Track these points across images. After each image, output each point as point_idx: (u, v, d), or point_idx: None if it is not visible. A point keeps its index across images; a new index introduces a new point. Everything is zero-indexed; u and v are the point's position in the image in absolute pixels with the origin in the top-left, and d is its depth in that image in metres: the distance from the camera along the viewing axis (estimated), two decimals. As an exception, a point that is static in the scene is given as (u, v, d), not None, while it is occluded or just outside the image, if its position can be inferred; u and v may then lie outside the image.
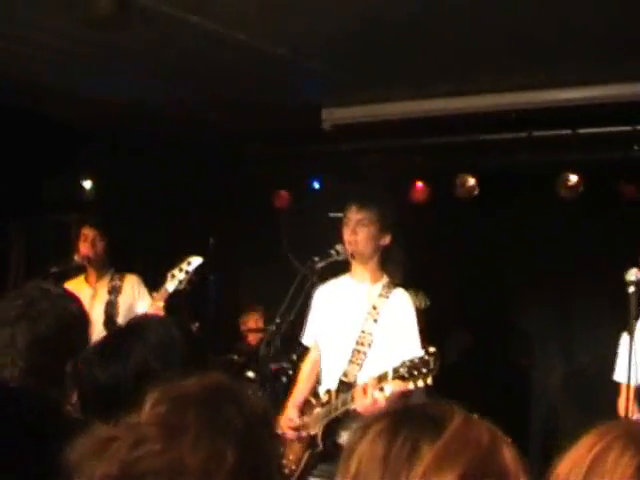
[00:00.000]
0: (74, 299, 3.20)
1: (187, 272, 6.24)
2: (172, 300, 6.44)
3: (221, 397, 1.77)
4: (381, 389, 4.76)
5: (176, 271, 6.25)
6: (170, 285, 6.25)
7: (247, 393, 1.84)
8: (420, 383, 4.68)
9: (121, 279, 6.97)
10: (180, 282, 6.24)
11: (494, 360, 8.64)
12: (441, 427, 1.56)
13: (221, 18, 5.65)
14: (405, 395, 4.89)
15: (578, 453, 1.54)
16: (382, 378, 4.79)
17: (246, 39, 5.99)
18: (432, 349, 4.76)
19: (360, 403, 4.87)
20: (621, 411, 5.30)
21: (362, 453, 1.59)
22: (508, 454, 1.57)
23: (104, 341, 2.89)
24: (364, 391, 4.83)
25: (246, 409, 1.77)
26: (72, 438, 1.68)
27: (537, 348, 8.62)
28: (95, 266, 7.00)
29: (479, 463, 1.51)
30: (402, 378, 4.70)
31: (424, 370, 4.66)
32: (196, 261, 6.28)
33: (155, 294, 6.34)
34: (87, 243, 6.91)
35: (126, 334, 2.85)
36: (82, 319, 3.13)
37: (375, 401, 4.80)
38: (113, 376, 2.69)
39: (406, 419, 1.62)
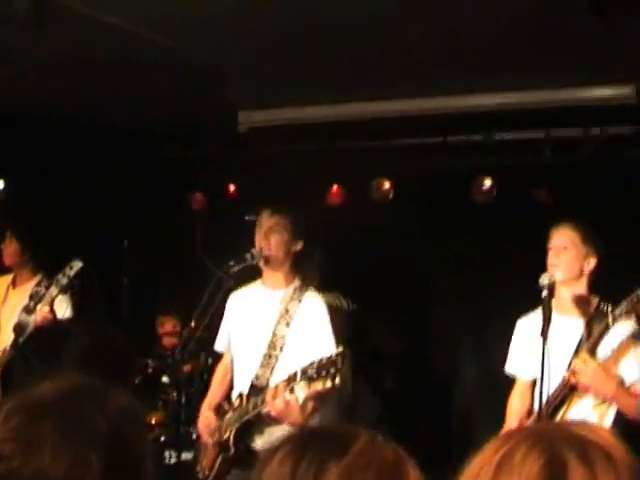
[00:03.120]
0: None
1: (69, 277, 6.20)
2: (83, 304, 6.39)
3: (79, 400, 1.71)
4: (292, 390, 4.79)
5: (60, 276, 6.22)
6: (54, 290, 6.22)
7: (109, 392, 1.78)
8: (328, 384, 4.73)
9: (47, 287, 6.88)
10: (63, 287, 6.21)
11: (413, 359, 8.72)
12: (346, 447, 1.59)
13: (140, 19, 5.60)
14: (321, 396, 4.93)
15: (486, 455, 1.55)
16: (291, 379, 4.83)
17: (164, 40, 5.94)
18: (339, 349, 4.81)
19: (272, 406, 4.90)
20: (516, 407, 5.35)
21: (270, 474, 1.60)
22: (412, 473, 1.59)
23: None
24: (275, 394, 4.86)
25: (108, 409, 1.72)
26: None
27: (455, 349, 8.69)
28: (17, 270, 6.94)
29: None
30: (311, 379, 4.73)
31: (332, 370, 4.70)
32: (77, 265, 6.23)
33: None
34: (9, 252, 6.86)
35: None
36: None
37: (287, 403, 4.83)
38: None
39: (313, 440, 1.64)
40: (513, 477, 1.47)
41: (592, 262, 5.12)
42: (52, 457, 1.58)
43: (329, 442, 1.63)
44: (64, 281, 6.20)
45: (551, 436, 1.54)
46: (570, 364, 4.98)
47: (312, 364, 4.77)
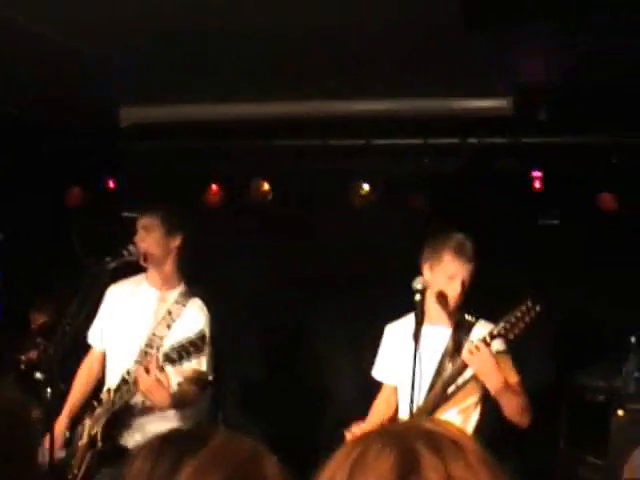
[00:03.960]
0: None
1: None
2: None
3: None
4: (161, 369, 4.81)
5: None
6: None
7: None
8: (193, 364, 4.80)
9: None
10: None
11: (290, 365, 8.75)
12: (203, 443, 1.63)
13: (18, 7, 5.52)
14: (190, 383, 4.96)
15: (339, 459, 1.59)
16: (154, 360, 4.84)
17: (45, 31, 5.87)
18: (201, 330, 4.87)
19: (142, 381, 4.89)
20: (380, 410, 5.43)
21: (133, 470, 1.64)
22: (270, 466, 1.64)
23: None
24: (146, 370, 4.85)
25: None
26: None
27: (333, 353, 8.74)
28: None
29: (239, 473, 1.58)
30: (172, 361, 4.77)
31: (192, 349, 4.75)
32: None
33: None
34: None
35: None
36: None
37: (158, 380, 4.84)
38: None
39: (173, 438, 1.69)
40: (368, 476, 1.51)
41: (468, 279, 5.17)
42: None
43: (187, 440, 1.68)
44: None
45: (402, 432, 1.60)
46: (438, 370, 5.09)
47: (173, 346, 4.84)
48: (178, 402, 5.12)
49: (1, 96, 7.47)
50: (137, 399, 5.20)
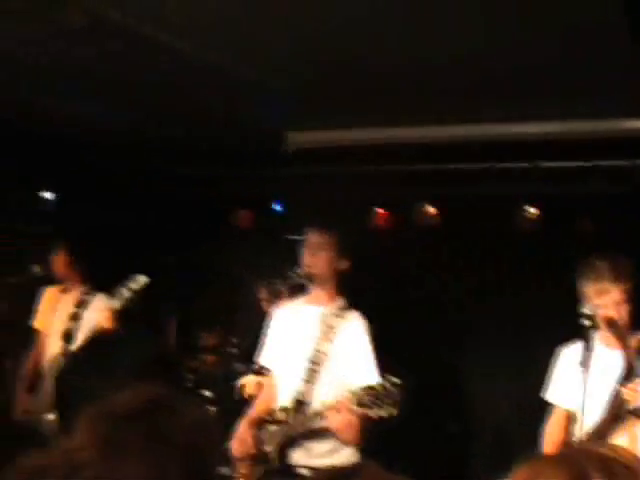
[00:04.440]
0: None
1: (133, 291, 6.36)
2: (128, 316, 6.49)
3: (158, 410, 1.73)
4: (353, 411, 4.80)
5: (122, 289, 6.38)
6: (116, 302, 6.39)
7: (186, 404, 1.81)
8: (383, 413, 4.74)
9: (92, 295, 7.00)
10: (125, 300, 6.37)
11: (446, 378, 8.70)
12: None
13: (189, 37, 5.67)
14: (370, 421, 4.94)
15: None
16: (347, 402, 4.83)
17: (214, 59, 6.01)
18: (397, 380, 4.81)
19: (334, 422, 4.91)
20: (555, 435, 5.31)
21: None
22: None
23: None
24: (338, 410, 4.86)
25: (185, 419, 1.75)
26: (17, 447, 1.65)
27: (493, 375, 8.66)
28: (64, 280, 7.08)
29: None
30: (366, 406, 4.75)
31: (388, 401, 4.71)
32: (141, 281, 6.40)
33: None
34: (59, 263, 7.01)
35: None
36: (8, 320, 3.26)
37: (349, 420, 4.85)
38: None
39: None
40: None
41: (631, 303, 5.05)
42: (132, 467, 1.60)
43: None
44: (127, 294, 6.37)
45: (574, 456, 1.58)
46: (614, 393, 4.96)
47: (368, 392, 4.79)
48: (362, 436, 5.14)
49: (175, 124, 7.69)
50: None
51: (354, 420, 4.86)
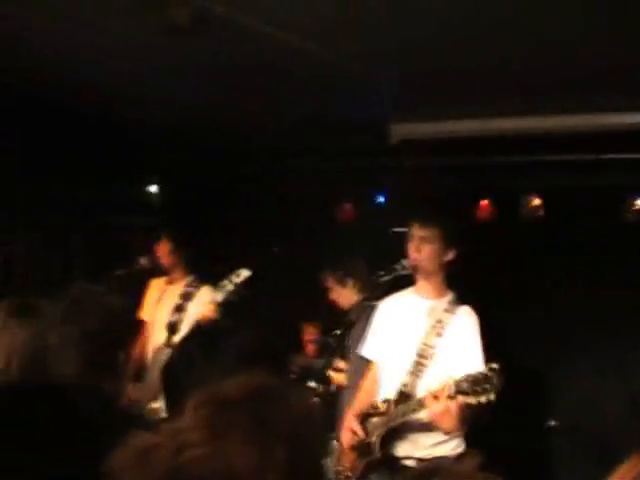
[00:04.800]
0: (118, 296, 3.41)
1: (236, 284, 6.42)
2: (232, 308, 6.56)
3: (265, 397, 1.75)
4: (451, 397, 4.75)
5: (225, 282, 6.45)
6: (219, 295, 6.45)
7: (292, 393, 1.82)
8: (482, 399, 4.68)
9: (197, 287, 7.09)
10: (229, 293, 6.43)
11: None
12: None
13: (293, 29, 5.69)
14: (471, 410, 4.90)
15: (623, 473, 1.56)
16: (445, 389, 4.79)
17: (318, 52, 6.03)
18: (495, 365, 4.77)
19: (432, 408, 4.87)
20: None
21: None
22: None
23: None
24: (436, 398, 4.83)
25: (291, 408, 1.76)
26: (125, 434, 1.68)
27: (596, 373, 8.55)
28: (169, 271, 7.18)
29: None
30: (464, 393, 4.71)
31: (486, 386, 4.66)
32: (244, 274, 6.45)
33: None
34: (162, 252, 7.10)
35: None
36: (127, 314, 3.32)
37: (447, 408, 4.81)
38: None
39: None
40: None
41: None
42: (239, 449, 1.62)
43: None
44: (230, 287, 6.44)
45: None
46: None
47: (466, 378, 4.75)
48: (463, 426, 5.11)
49: (274, 118, 7.74)
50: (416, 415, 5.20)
51: (452, 408, 4.81)
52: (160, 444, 1.64)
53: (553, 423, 7.88)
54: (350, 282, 7.08)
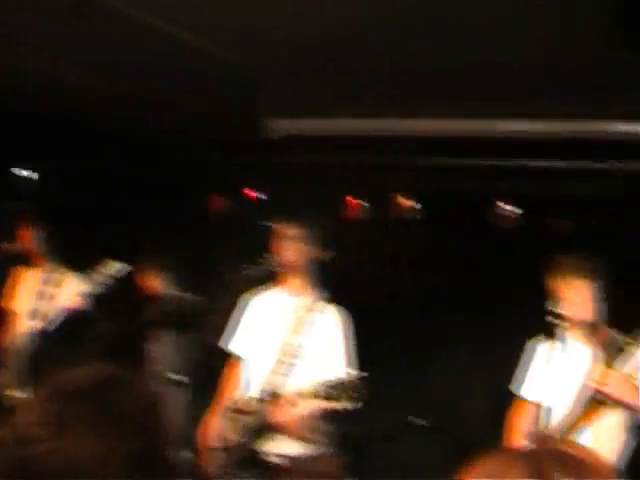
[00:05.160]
0: None
1: (104, 275, 6.36)
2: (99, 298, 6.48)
3: (112, 388, 1.74)
4: (295, 405, 4.82)
5: (94, 273, 6.37)
6: (87, 286, 6.39)
7: (138, 382, 1.81)
8: (341, 405, 4.73)
9: (62, 274, 6.96)
10: (98, 283, 6.37)
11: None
12: None
13: (175, 22, 5.63)
14: (323, 414, 4.95)
15: (478, 469, 1.58)
16: (303, 395, 4.84)
17: (199, 45, 5.98)
18: (359, 373, 4.82)
19: (278, 416, 4.93)
20: (520, 427, 5.34)
21: None
22: None
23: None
24: (281, 405, 4.88)
25: (135, 398, 1.75)
26: None
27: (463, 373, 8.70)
28: (33, 257, 7.03)
29: None
30: (324, 398, 4.75)
31: (348, 393, 4.71)
32: (114, 266, 6.40)
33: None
34: (26, 238, 6.96)
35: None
36: None
37: (292, 416, 4.86)
38: None
39: None
40: None
41: (604, 301, 5.10)
42: (86, 441, 1.61)
43: None
44: (99, 278, 6.36)
45: (535, 453, 1.59)
46: (584, 388, 5.00)
47: (328, 383, 4.79)
48: (310, 431, 5.15)
49: (154, 106, 7.65)
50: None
51: (299, 414, 4.87)
52: (5, 438, 1.62)
53: (419, 422, 7.96)
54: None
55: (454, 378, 8.72)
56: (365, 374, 4.81)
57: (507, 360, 5.59)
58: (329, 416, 5.20)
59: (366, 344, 7.25)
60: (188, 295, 7.22)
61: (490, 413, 5.76)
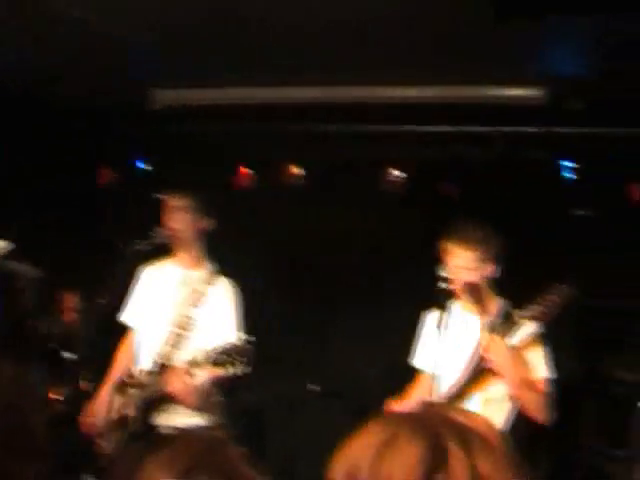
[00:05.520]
0: None
1: None
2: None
3: None
4: (191, 374, 4.83)
5: None
6: None
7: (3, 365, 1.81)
8: (231, 370, 4.76)
9: None
10: None
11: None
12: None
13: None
14: (220, 381, 4.97)
15: (367, 437, 1.59)
16: (194, 362, 4.85)
17: (81, 13, 5.88)
18: (247, 337, 4.85)
19: (171, 386, 4.94)
20: (415, 398, 5.41)
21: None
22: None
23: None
24: (175, 375, 4.89)
25: (3, 380, 1.74)
26: None
27: (357, 341, 8.76)
28: None
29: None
30: (214, 364, 4.77)
31: (238, 358, 4.73)
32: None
33: None
34: None
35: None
36: None
37: (186, 385, 4.87)
38: None
39: None
40: (395, 461, 1.52)
41: (491, 268, 5.16)
42: None
43: None
44: None
45: (433, 422, 1.60)
46: (469, 352, 5.08)
47: (217, 349, 4.81)
48: (206, 399, 5.17)
49: (37, 79, 7.50)
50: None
51: (191, 387, 4.91)
52: None
53: (314, 388, 8.01)
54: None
55: (353, 347, 8.77)
56: (252, 338, 4.85)
57: (406, 328, 5.65)
58: (225, 385, 5.24)
59: (260, 313, 7.30)
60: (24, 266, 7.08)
61: (388, 381, 5.80)
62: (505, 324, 5.01)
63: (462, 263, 5.01)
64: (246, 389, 7.28)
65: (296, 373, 8.45)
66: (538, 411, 4.96)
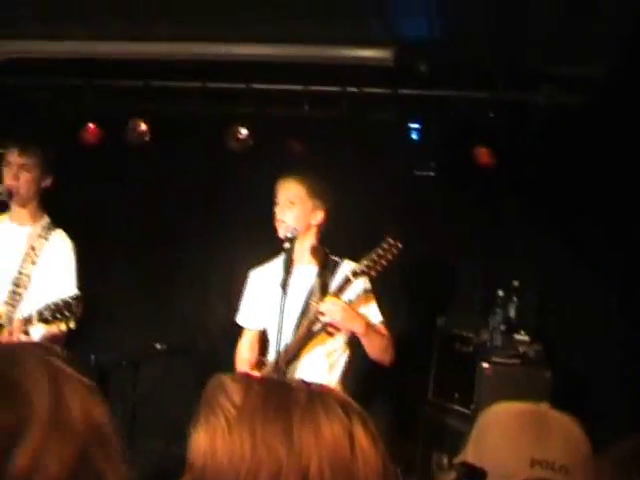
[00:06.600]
0: None
1: None
2: None
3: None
4: (26, 332, 4.79)
5: None
6: None
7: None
8: (63, 327, 4.75)
9: None
10: None
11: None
12: None
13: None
14: (55, 339, 4.92)
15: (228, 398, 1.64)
16: (27, 321, 4.81)
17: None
18: (76, 293, 4.83)
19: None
20: (245, 356, 5.48)
21: None
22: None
23: None
24: (10, 334, 4.83)
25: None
26: None
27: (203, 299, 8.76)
28: None
29: None
30: (46, 321, 4.74)
31: (67, 314, 4.72)
32: None
33: None
34: None
35: None
36: None
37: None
38: None
39: None
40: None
41: (320, 216, 5.28)
42: None
43: None
44: None
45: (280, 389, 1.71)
46: (304, 310, 5.16)
47: (48, 306, 4.78)
48: None
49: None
50: None
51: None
52: None
53: (159, 346, 7.97)
54: None
55: (196, 305, 8.79)
56: (79, 293, 4.85)
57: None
58: (67, 341, 5.18)
59: (100, 271, 7.22)
60: None
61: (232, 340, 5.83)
62: (336, 278, 5.13)
63: (291, 196, 5.19)
64: (91, 348, 7.21)
65: (141, 331, 8.43)
66: (381, 352, 5.13)
